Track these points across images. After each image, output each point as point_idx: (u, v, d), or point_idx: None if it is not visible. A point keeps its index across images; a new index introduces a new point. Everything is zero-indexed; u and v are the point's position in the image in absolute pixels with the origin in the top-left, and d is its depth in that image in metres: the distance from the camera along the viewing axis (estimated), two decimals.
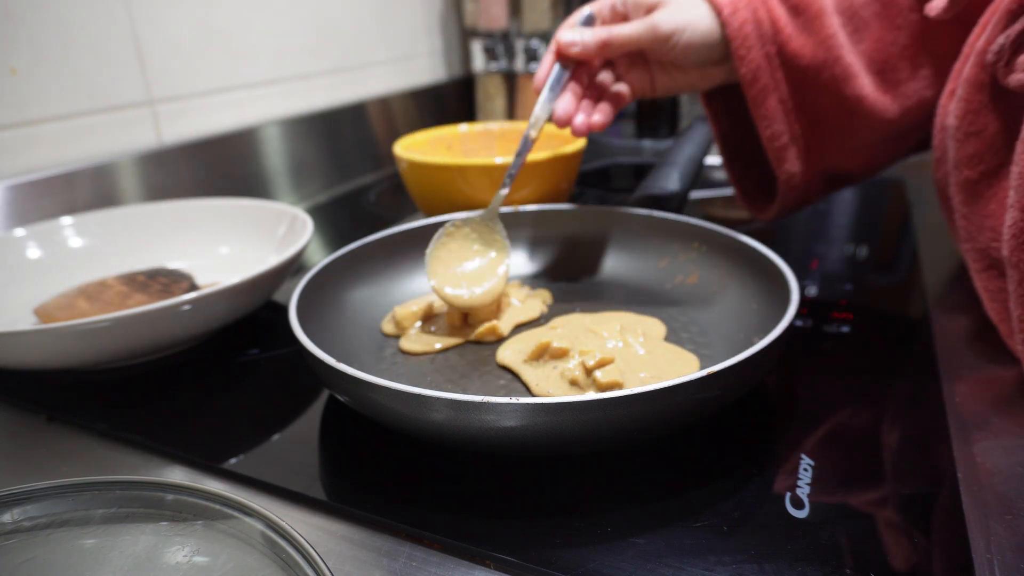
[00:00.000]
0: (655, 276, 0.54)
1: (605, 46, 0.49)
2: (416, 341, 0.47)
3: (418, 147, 0.74)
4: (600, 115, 0.51)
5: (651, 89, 0.54)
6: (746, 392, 0.38)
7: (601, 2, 0.51)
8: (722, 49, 0.50)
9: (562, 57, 0.50)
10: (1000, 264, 0.42)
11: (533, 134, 0.50)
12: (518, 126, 0.78)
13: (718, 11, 0.48)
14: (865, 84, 0.50)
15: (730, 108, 0.57)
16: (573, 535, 0.31)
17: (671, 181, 0.61)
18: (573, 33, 0.49)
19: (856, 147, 0.54)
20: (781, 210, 0.57)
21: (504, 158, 0.62)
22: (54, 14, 0.64)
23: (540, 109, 0.50)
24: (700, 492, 0.33)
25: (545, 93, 0.50)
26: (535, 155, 0.63)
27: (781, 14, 0.49)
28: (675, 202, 0.59)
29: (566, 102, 0.50)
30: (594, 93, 0.52)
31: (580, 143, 0.67)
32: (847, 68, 0.49)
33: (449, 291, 0.48)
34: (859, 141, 0.53)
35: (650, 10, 0.49)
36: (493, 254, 0.50)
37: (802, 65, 0.49)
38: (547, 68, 0.51)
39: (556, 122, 0.50)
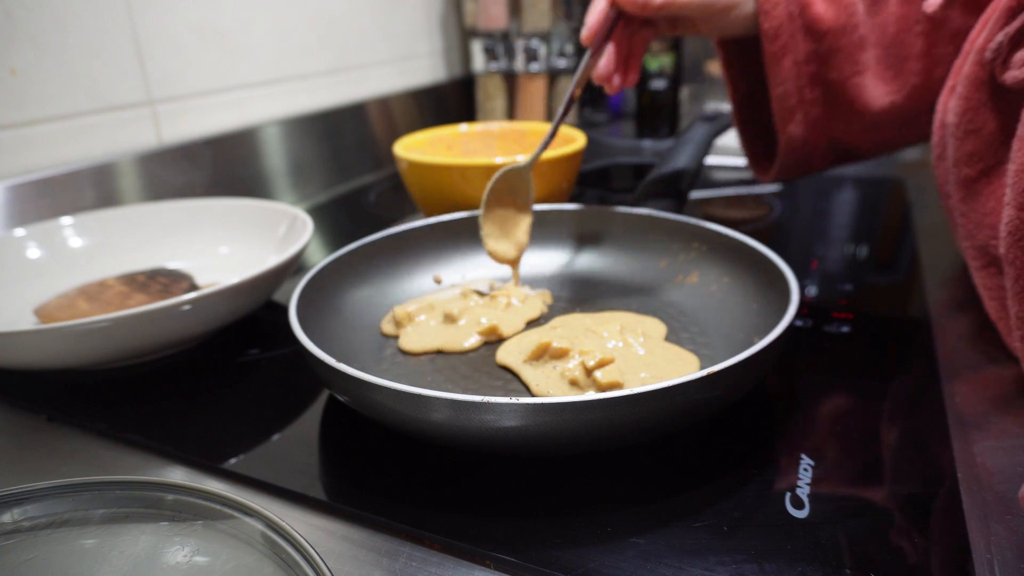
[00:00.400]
0: (655, 276, 0.54)
1: (665, 6, 0.49)
2: (416, 341, 0.47)
3: (418, 147, 0.73)
4: (632, 73, 0.54)
5: (671, 30, 0.55)
6: (746, 392, 0.38)
7: None
8: (756, 17, 0.52)
9: (616, 6, 0.50)
10: (999, 262, 0.42)
11: (578, 92, 0.52)
12: (517, 126, 0.78)
13: None
14: (871, 59, 0.52)
15: (748, 72, 0.59)
16: (573, 535, 0.31)
17: (680, 162, 0.62)
18: None
19: (862, 125, 0.55)
20: (781, 172, 0.58)
21: (504, 157, 0.62)
22: (54, 14, 0.64)
23: (584, 65, 0.51)
24: (700, 492, 0.33)
25: (591, 49, 0.50)
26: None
27: None
28: (688, 179, 0.59)
29: (608, 58, 0.51)
30: (624, 43, 0.53)
31: (580, 143, 0.67)
32: (862, 39, 0.51)
33: (488, 241, 0.54)
34: (864, 120, 0.54)
35: None
36: (522, 212, 0.55)
37: (822, 30, 0.51)
38: (600, 17, 0.50)
39: (597, 79, 0.51)
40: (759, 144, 0.62)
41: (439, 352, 0.46)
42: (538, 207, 0.58)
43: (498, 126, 0.78)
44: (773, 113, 0.54)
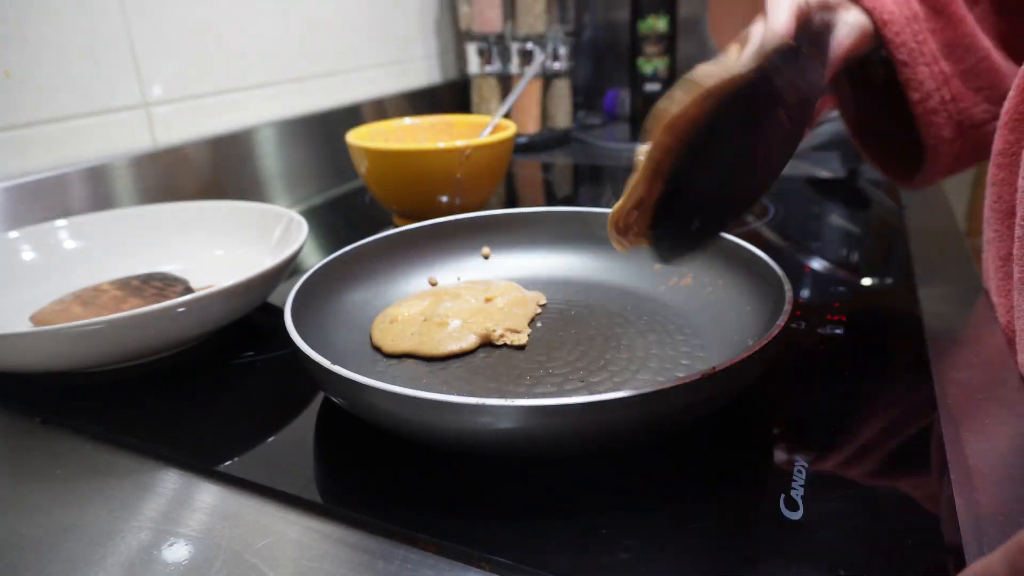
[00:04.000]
0: (650, 278, 0.54)
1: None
2: (407, 343, 0.47)
3: (365, 136, 0.77)
4: None
5: None
6: (740, 394, 0.38)
7: None
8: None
9: None
10: None
11: None
12: (447, 118, 0.84)
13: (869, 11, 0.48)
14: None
15: (854, 92, 0.57)
16: (568, 537, 0.31)
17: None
18: None
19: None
20: (930, 176, 0.56)
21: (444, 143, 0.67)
22: (48, 16, 0.64)
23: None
24: (694, 494, 0.33)
25: None
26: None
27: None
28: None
29: None
30: None
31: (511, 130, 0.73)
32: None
33: None
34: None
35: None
36: None
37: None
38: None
39: None
40: (886, 155, 0.59)
41: (433, 354, 0.46)
42: (534, 209, 0.59)
43: (432, 119, 0.84)
44: (916, 118, 0.51)
